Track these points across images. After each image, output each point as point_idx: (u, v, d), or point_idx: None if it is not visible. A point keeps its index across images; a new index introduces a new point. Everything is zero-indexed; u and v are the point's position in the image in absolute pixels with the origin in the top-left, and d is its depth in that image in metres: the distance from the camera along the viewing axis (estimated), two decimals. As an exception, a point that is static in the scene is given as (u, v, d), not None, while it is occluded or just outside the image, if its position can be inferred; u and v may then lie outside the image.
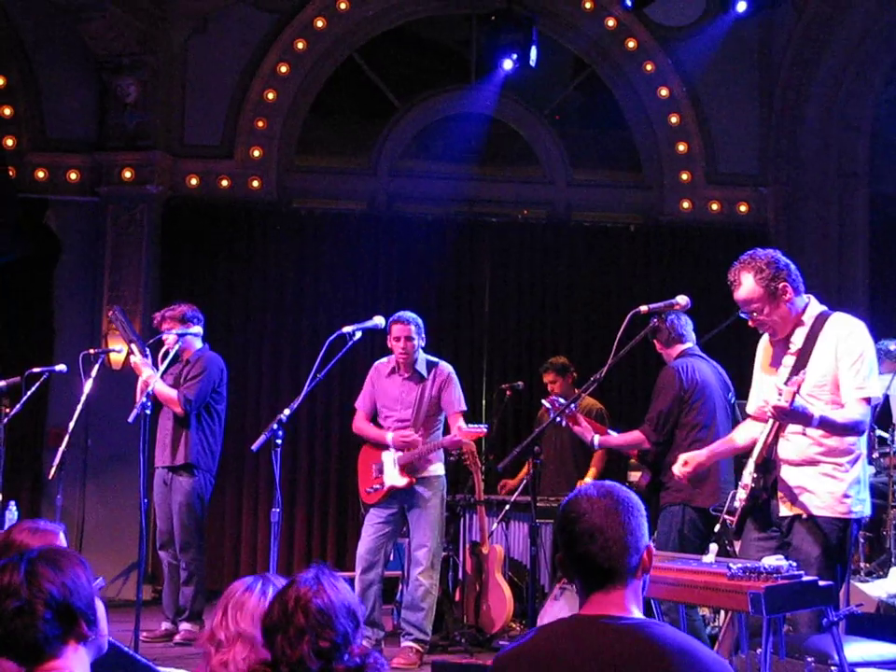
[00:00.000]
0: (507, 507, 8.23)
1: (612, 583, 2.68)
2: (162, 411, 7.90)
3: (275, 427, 5.74)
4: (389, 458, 7.51)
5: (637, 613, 2.69)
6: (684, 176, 11.19)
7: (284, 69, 10.84)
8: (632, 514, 2.71)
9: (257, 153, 10.82)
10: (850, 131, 10.99)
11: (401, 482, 7.43)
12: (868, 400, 4.78)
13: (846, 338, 4.81)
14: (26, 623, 2.54)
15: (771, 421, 4.86)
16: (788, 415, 4.65)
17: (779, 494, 4.88)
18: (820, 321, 4.89)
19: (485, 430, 7.54)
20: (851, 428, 4.78)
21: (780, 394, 4.56)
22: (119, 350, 8.64)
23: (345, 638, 2.78)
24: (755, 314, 4.94)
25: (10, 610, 2.55)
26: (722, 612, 6.79)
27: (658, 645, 2.56)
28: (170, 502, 7.82)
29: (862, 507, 4.86)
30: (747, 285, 4.92)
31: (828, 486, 4.79)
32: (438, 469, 7.59)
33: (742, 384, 5.19)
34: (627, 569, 2.68)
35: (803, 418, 4.67)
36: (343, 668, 2.76)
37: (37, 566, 2.59)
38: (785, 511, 4.87)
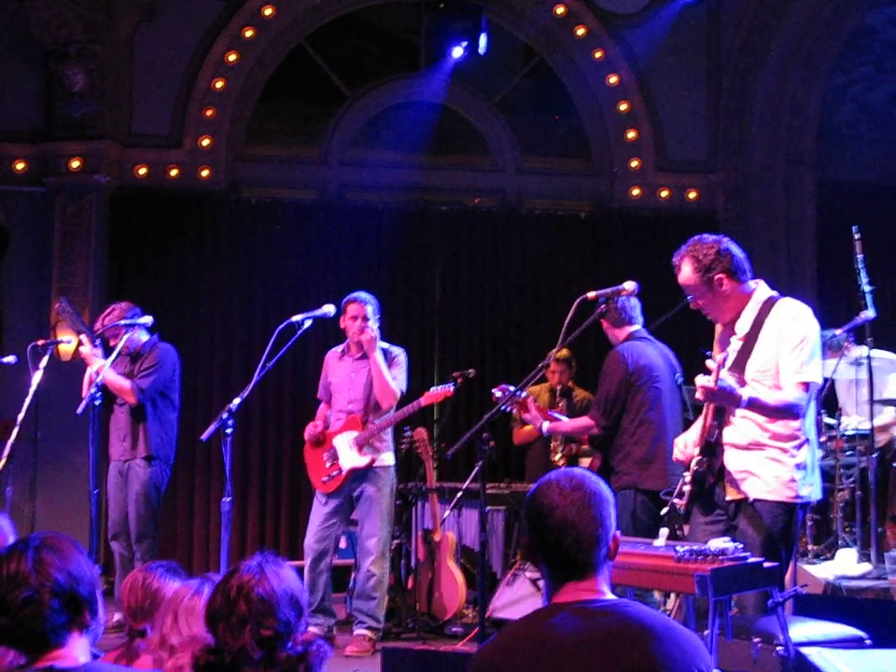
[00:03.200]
0: (459, 494, 8.25)
1: (584, 573, 2.71)
2: (115, 404, 7.85)
3: (225, 416, 5.72)
4: (343, 441, 7.50)
5: (610, 595, 2.72)
6: (634, 164, 11.24)
7: (232, 57, 10.77)
8: (603, 507, 2.74)
9: (206, 142, 10.75)
10: (798, 118, 11.07)
11: (362, 461, 7.42)
12: (807, 385, 4.79)
13: (789, 323, 4.86)
14: (34, 613, 2.52)
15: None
16: (715, 395, 4.70)
17: (725, 478, 4.92)
18: (767, 306, 4.94)
19: (452, 390, 7.56)
20: (784, 411, 4.80)
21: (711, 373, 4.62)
22: (68, 341, 8.59)
23: (288, 627, 2.78)
24: (693, 299, 5.02)
25: (20, 600, 2.52)
26: (672, 595, 6.85)
27: (637, 622, 2.61)
28: (125, 493, 7.76)
29: (809, 491, 4.89)
30: (685, 272, 5.00)
31: (773, 471, 4.83)
32: (388, 458, 7.60)
33: (693, 368, 5.22)
34: (598, 560, 2.72)
35: (730, 398, 4.71)
36: (285, 657, 2.76)
37: (43, 553, 2.57)
38: (731, 495, 4.91)
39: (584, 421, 6.81)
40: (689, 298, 5.06)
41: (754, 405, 4.75)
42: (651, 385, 6.53)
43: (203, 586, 3.28)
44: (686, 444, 5.12)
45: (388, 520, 7.58)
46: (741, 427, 4.89)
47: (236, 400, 5.84)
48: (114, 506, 7.84)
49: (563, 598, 2.71)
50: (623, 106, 11.19)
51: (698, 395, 4.76)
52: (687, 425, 6.73)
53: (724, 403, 4.83)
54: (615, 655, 2.54)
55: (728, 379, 4.67)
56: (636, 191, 11.25)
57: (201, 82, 10.71)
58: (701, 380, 4.68)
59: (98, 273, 10.25)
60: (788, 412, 4.81)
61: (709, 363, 4.68)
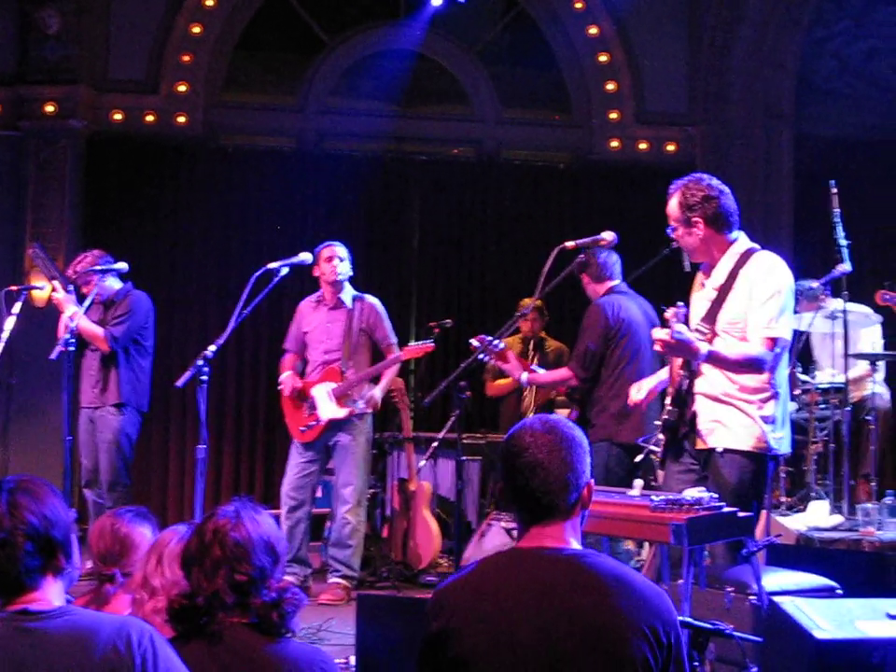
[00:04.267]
0: (435, 444, 8.27)
1: (551, 517, 2.70)
2: (88, 350, 7.80)
3: (200, 363, 5.69)
4: (322, 392, 7.50)
5: (575, 545, 2.72)
6: (613, 115, 11.21)
7: (210, 2, 10.64)
8: (574, 451, 2.73)
9: (182, 88, 10.65)
10: (777, 71, 11.04)
11: (341, 413, 7.44)
12: (775, 341, 4.80)
13: (762, 276, 4.86)
14: (8, 555, 2.50)
15: None
16: (673, 348, 4.72)
17: (697, 427, 4.95)
18: (744, 258, 4.95)
19: (432, 345, 7.57)
20: (746, 365, 4.82)
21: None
22: (41, 287, 8.52)
23: (262, 573, 2.79)
24: (673, 231, 5.07)
25: None
26: (646, 546, 6.90)
27: (596, 574, 2.60)
28: (96, 441, 7.73)
29: (778, 444, 4.92)
30: (671, 203, 5.07)
31: (742, 422, 4.85)
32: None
33: (671, 322, 5.24)
34: (566, 506, 2.71)
35: (688, 351, 4.73)
36: (259, 603, 2.76)
37: (17, 496, 2.54)
38: (702, 444, 4.94)
39: (563, 373, 6.82)
40: (669, 230, 5.10)
41: (714, 359, 4.77)
42: (630, 339, 6.54)
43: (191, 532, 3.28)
44: (639, 388, 5.31)
45: (365, 469, 7.60)
46: (711, 377, 4.91)
47: (212, 347, 5.80)
48: (85, 453, 7.80)
49: (526, 543, 2.72)
50: (603, 58, 11.14)
51: (656, 347, 4.79)
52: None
53: (683, 356, 4.86)
54: (572, 606, 2.54)
55: (685, 331, 4.68)
56: (614, 143, 11.22)
57: (178, 27, 10.59)
58: (658, 333, 4.71)
59: (72, 219, 10.17)
60: (750, 366, 4.82)
61: (667, 315, 4.70)
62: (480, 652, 2.55)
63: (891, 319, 8.11)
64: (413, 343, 7.56)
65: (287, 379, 7.60)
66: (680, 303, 4.79)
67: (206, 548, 2.78)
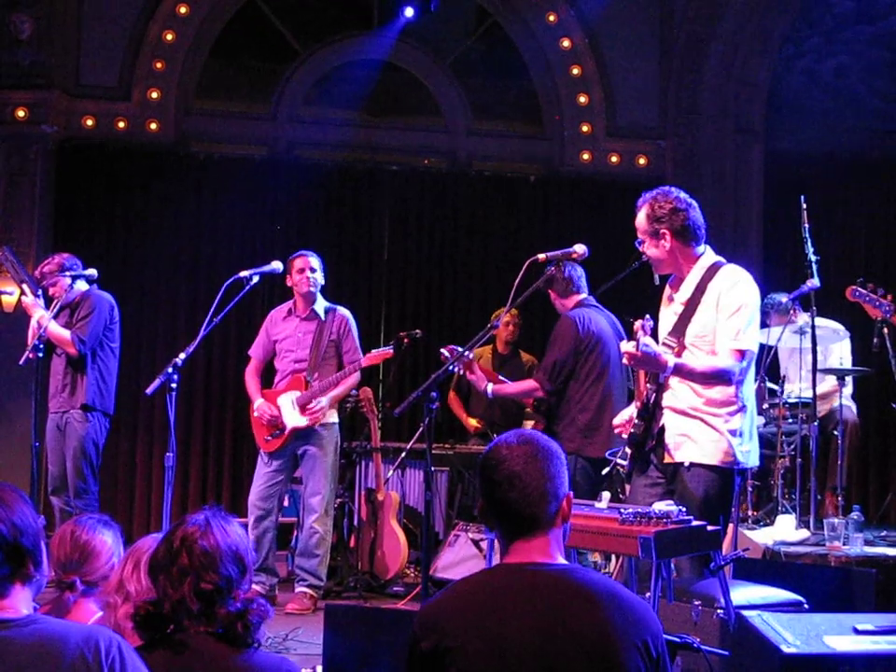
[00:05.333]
0: (403, 454, 8.27)
1: (533, 531, 2.70)
2: (55, 354, 7.76)
3: (170, 370, 5.68)
4: (287, 400, 7.50)
5: (561, 559, 2.72)
6: (585, 128, 11.25)
7: (183, 10, 10.62)
8: (551, 462, 2.73)
9: (155, 95, 10.62)
10: (748, 87, 11.11)
11: (303, 421, 7.43)
12: (742, 353, 4.83)
13: (729, 289, 4.90)
14: None
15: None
16: (639, 361, 4.74)
17: (664, 441, 4.96)
18: (711, 272, 4.99)
19: (391, 351, 7.56)
20: (713, 377, 4.84)
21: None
22: (10, 292, 8.48)
23: (229, 582, 2.77)
24: (641, 244, 5.09)
25: None
26: (614, 558, 6.91)
27: (589, 589, 2.60)
28: (63, 447, 7.68)
29: (745, 458, 4.94)
30: (640, 216, 5.11)
31: (709, 436, 4.87)
32: (332, 415, 7.61)
33: (639, 337, 5.26)
34: (546, 517, 2.71)
35: (655, 364, 4.75)
36: (224, 612, 2.75)
37: None
38: (669, 458, 4.95)
39: (529, 384, 6.83)
40: (638, 242, 5.12)
41: (681, 371, 4.80)
42: (599, 352, 6.55)
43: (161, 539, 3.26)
44: (620, 417, 5.23)
45: (332, 478, 7.59)
46: (678, 391, 4.93)
47: (182, 355, 5.80)
48: (53, 460, 7.75)
49: (513, 559, 2.71)
50: (575, 70, 11.18)
51: (624, 360, 4.81)
52: (631, 394, 6.79)
53: (649, 368, 4.88)
54: (565, 621, 2.54)
55: (652, 345, 4.71)
56: (585, 156, 11.26)
57: (151, 34, 10.57)
58: (625, 346, 4.73)
59: (42, 224, 10.12)
60: (718, 378, 4.85)
61: (635, 327, 4.73)
62: (477, 670, 2.54)
63: (861, 320, 8.09)
64: (373, 351, 7.54)
65: (263, 407, 7.56)
66: (647, 316, 4.81)
67: (174, 555, 2.77)
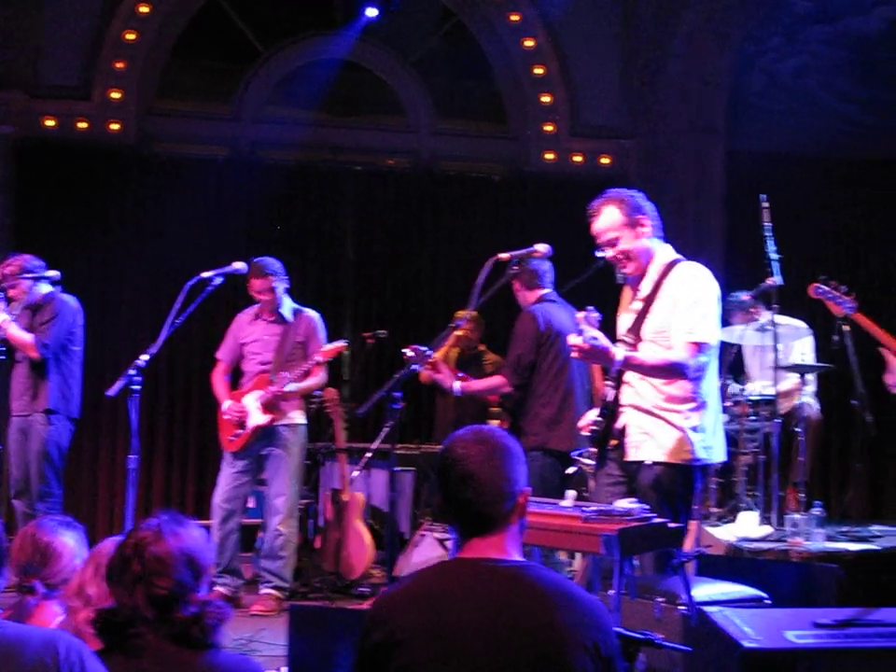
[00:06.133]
0: (368, 454, 8.26)
1: (489, 529, 2.71)
2: (17, 359, 7.71)
3: (132, 372, 5.66)
4: (251, 399, 7.49)
5: (516, 556, 2.72)
6: (548, 128, 11.27)
7: (145, 9, 10.53)
8: (508, 461, 2.74)
9: (116, 95, 10.54)
10: (709, 87, 11.15)
11: (263, 419, 7.43)
12: (698, 346, 4.84)
13: (685, 284, 4.92)
14: None
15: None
16: (588, 354, 4.75)
17: (626, 439, 4.98)
18: (668, 269, 5.00)
19: (344, 344, 7.58)
20: (666, 369, 4.86)
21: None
22: (-30, 296, 8.40)
23: (182, 587, 2.76)
24: (612, 246, 5.03)
25: None
26: (578, 556, 6.93)
27: (540, 587, 2.61)
28: (26, 450, 7.64)
29: (707, 454, 4.95)
30: (608, 213, 5.03)
31: (670, 433, 4.89)
32: (298, 416, 7.61)
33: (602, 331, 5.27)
34: (502, 515, 2.72)
35: (604, 357, 4.77)
36: (180, 617, 2.75)
37: None
38: (631, 456, 4.97)
39: (496, 380, 6.87)
40: (600, 251, 5.08)
41: (631, 364, 4.81)
42: (560, 346, 6.58)
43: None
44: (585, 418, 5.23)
45: (297, 479, 7.59)
46: (641, 389, 4.95)
47: (144, 357, 5.77)
48: (16, 463, 7.70)
49: (467, 555, 2.72)
50: (539, 70, 11.19)
51: (573, 354, 4.82)
52: (592, 388, 6.84)
53: (599, 362, 4.91)
54: (514, 618, 2.55)
55: (601, 338, 4.72)
56: (549, 155, 11.28)
57: (111, 33, 10.48)
58: (573, 339, 4.73)
59: (2, 225, 10.03)
60: (671, 371, 4.85)
61: (578, 319, 4.73)
62: (424, 665, 2.54)
63: (822, 318, 8.14)
64: (327, 345, 7.53)
65: (232, 408, 7.54)
66: (590, 307, 4.81)
67: (126, 562, 2.77)
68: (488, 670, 2.52)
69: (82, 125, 10.47)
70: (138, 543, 2.79)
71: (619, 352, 4.76)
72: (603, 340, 4.74)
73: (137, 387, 5.68)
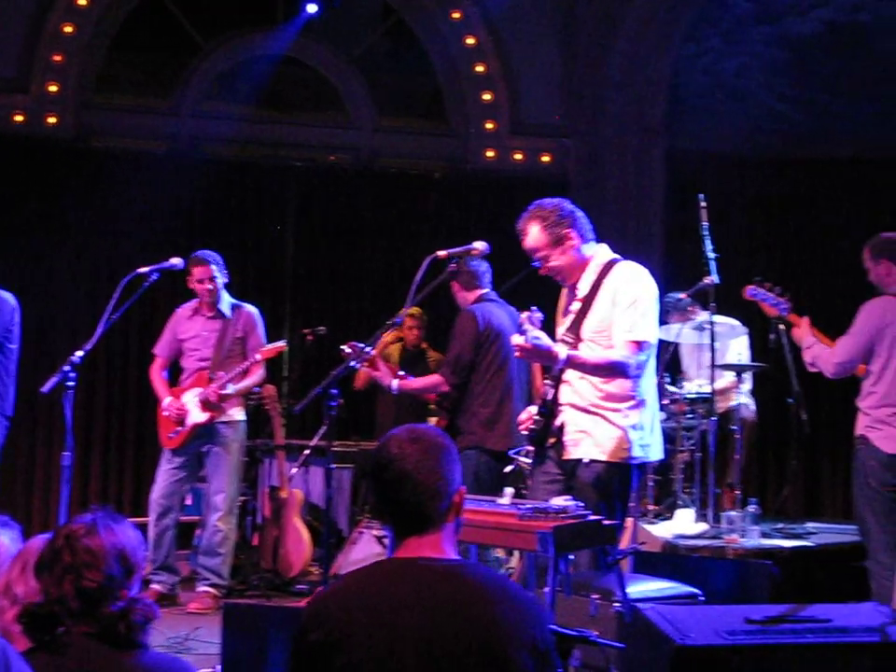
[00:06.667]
0: (306, 451, 8.24)
1: (426, 528, 2.70)
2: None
3: (67, 368, 5.61)
4: (190, 397, 7.46)
5: (452, 555, 2.72)
6: (489, 126, 11.28)
7: (83, 1, 10.41)
8: (442, 459, 2.73)
9: (53, 88, 10.40)
10: (650, 86, 11.21)
11: (202, 417, 7.40)
12: (638, 345, 4.88)
13: (624, 283, 4.95)
14: None
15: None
16: (531, 353, 4.77)
17: (564, 437, 5.00)
18: (607, 268, 5.03)
19: (284, 344, 7.59)
20: (608, 368, 4.88)
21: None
22: None
23: (112, 581, 2.74)
24: (543, 261, 5.06)
25: None
26: (516, 553, 6.95)
27: (478, 585, 2.61)
28: (-42, 448, 7.54)
29: (645, 452, 4.99)
30: (533, 233, 5.07)
31: (608, 432, 4.92)
32: (238, 413, 7.58)
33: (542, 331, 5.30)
34: (438, 514, 2.71)
35: (547, 356, 4.79)
36: (107, 612, 2.73)
37: None
38: (568, 454, 5.00)
39: (434, 378, 6.87)
40: (536, 263, 5.11)
41: (574, 363, 4.83)
42: (499, 346, 6.59)
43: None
44: (529, 413, 5.22)
45: (237, 476, 7.57)
46: (579, 387, 4.97)
47: (79, 353, 5.71)
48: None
49: (404, 554, 2.71)
50: (480, 68, 11.20)
51: (516, 354, 4.84)
52: (531, 387, 6.85)
53: (541, 361, 4.93)
54: (454, 617, 2.54)
55: (544, 337, 4.74)
56: (490, 153, 11.30)
57: (49, 25, 10.35)
58: (515, 339, 4.75)
59: (-64, 221, 9.90)
60: (612, 369, 4.88)
61: (521, 319, 4.75)
62: (362, 665, 2.52)
63: (758, 317, 8.19)
64: (268, 346, 7.51)
65: (171, 405, 7.50)
66: (534, 308, 4.83)
67: (57, 553, 2.75)
68: (429, 669, 2.52)
69: (18, 118, 10.34)
70: (70, 535, 2.77)
71: (562, 351, 4.78)
72: (546, 339, 4.76)
73: (72, 384, 5.62)
